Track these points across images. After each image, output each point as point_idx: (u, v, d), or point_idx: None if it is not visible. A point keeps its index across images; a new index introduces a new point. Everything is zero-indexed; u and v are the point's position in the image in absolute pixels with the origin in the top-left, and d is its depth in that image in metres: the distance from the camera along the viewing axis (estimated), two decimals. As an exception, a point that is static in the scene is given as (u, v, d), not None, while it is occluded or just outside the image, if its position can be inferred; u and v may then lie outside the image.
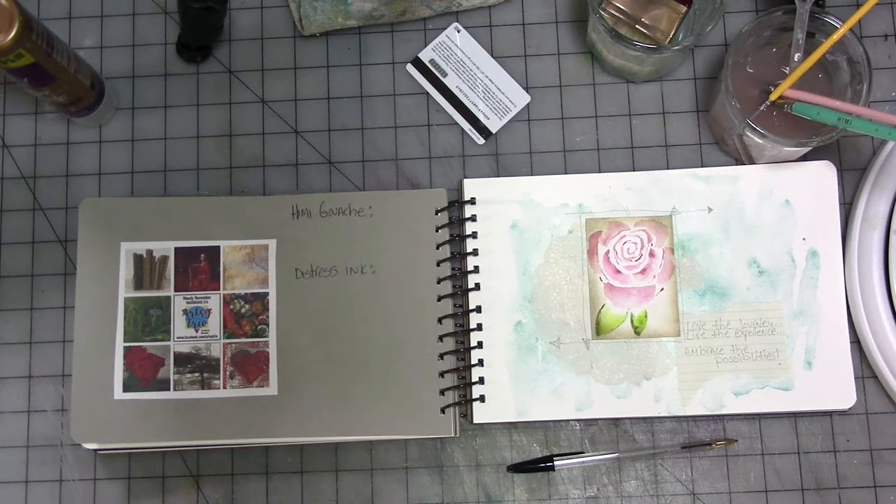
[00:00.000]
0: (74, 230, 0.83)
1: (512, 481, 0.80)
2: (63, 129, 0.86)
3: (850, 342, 0.80)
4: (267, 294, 0.82)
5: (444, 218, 0.82)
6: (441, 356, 0.80)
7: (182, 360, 0.81)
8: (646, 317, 0.80)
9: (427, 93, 0.86)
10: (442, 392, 0.80)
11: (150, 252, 0.82)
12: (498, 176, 0.84)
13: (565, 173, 0.84)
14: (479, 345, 0.80)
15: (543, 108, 0.85)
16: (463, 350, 0.80)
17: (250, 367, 0.80)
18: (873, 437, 0.80)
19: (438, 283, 0.81)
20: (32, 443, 0.82)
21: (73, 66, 0.79)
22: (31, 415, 0.82)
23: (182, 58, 0.87)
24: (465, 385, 0.80)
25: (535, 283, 0.81)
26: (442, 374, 0.80)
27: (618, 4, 0.82)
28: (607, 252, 0.81)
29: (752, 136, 0.77)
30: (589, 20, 0.83)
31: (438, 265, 0.81)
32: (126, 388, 0.80)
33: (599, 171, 0.84)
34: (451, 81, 0.86)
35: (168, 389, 0.80)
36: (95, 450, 0.81)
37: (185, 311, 0.81)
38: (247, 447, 0.81)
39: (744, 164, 0.83)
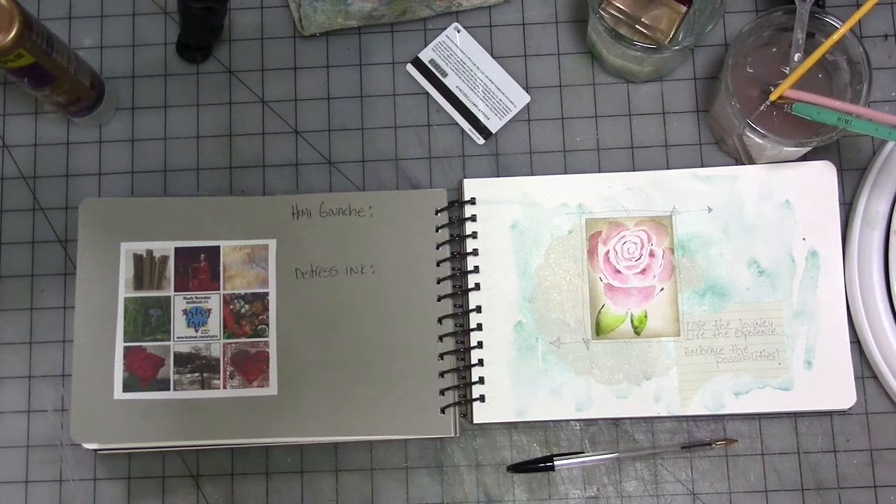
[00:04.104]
0: (74, 230, 0.83)
1: (512, 481, 0.80)
2: (63, 129, 0.86)
3: (850, 342, 0.80)
4: (267, 294, 0.82)
5: (444, 218, 0.82)
6: (441, 356, 0.80)
7: (182, 360, 0.81)
8: (646, 317, 0.80)
9: (427, 93, 0.86)
10: (442, 392, 0.80)
11: (150, 252, 0.82)
12: (498, 176, 0.84)
13: (565, 173, 0.84)
14: (479, 345, 0.80)
15: (543, 108, 0.85)
16: (463, 350, 0.80)
17: (250, 367, 0.80)
18: (873, 437, 0.80)
19: (438, 283, 0.81)
20: (32, 443, 0.82)
21: (73, 66, 0.79)
22: (31, 415, 0.82)
23: (182, 58, 0.87)
24: (465, 385, 0.80)
25: (535, 283, 0.81)
26: (442, 374, 0.80)
27: (618, 4, 0.82)
28: (607, 252, 0.81)
29: (752, 136, 0.77)
30: (589, 20, 0.83)
31: (438, 265, 0.81)
32: (126, 388, 0.80)
33: (599, 171, 0.84)
34: (451, 81, 0.86)
35: (168, 389, 0.80)
36: (95, 450, 0.81)
37: (185, 311, 0.81)
38: (247, 447, 0.81)
39: (744, 164, 0.83)
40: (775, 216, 0.81)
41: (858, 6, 0.79)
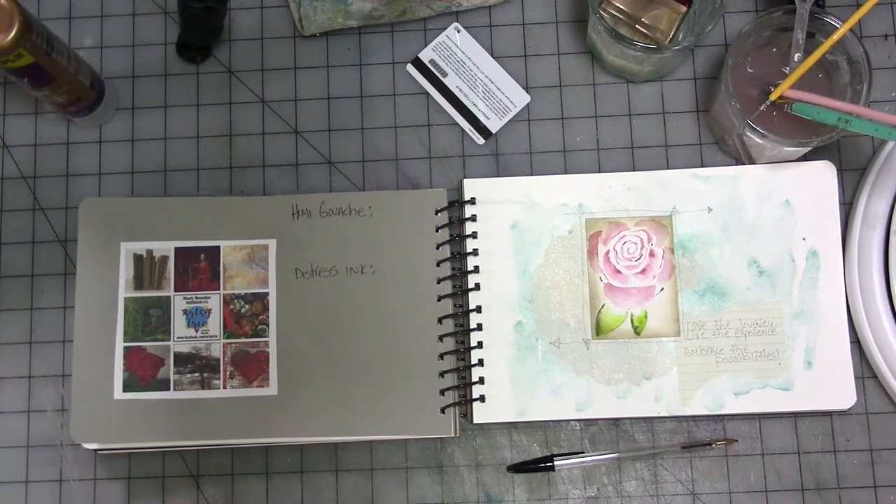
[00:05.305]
0: (74, 230, 0.83)
1: (512, 481, 0.80)
2: (63, 129, 0.86)
3: (850, 342, 0.80)
4: (267, 294, 0.82)
5: (444, 218, 0.82)
6: (441, 356, 0.80)
7: (182, 360, 0.81)
8: (646, 317, 0.80)
9: (427, 93, 0.86)
10: (442, 392, 0.80)
11: (150, 252, 0.82)
12: (498, 176, 0.84)
13: (565, 173, 0.84)
14: (479, 345, 0.80)
15: (543, 108, 0.85)
16: (463, 350, 0.80)
17: (250, 367, 0.80)
18: (873, 437, 0.80)
19: (438, 283, 0.81)
20: (32, 443, 0.82)
21: (73, 66, 0.79)
22: (31, 415, 0.82)
23: (182, 58, 0.87)
24: (465, 385, 0.80)
25: (535, 283, 0.81)
26: (442, 374, 0.80)
27: (618, 4, 0.82)
28: (607, 252, 0.81)
29: (752, 136, 0.77)
30: (589, 20, 0.83)
31: (438, 265, 0.81)
32: (126, 388, 0.80)
33: (599, 171, 0.84)
34: (451, 81, 0.86)
35: (168, 389, 0.80)
36: (95, 450, 0.81)
37: (185, 311, 0.81)
38: (247, 447, 0.81)
39: (744, 164, 0.83)
40: (775, 216, 0.81)
41: (858, 6, 0.79)
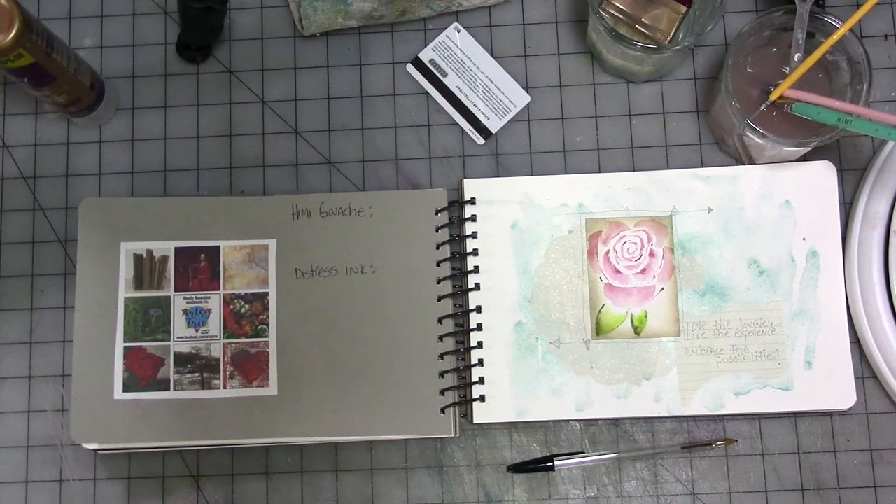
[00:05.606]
0: (74, 230, 0.83)
1: (512, 481, 0.80)
2: (63, 129, 0.86)
3: (850, 342, 0.80)
4: (267, 294, 0.82)
5: (444, 218, 0.82)
6: (441, 356, 0.80)
7: (182, 360, 0.81)
8: (646, 317, 0.80)
9: (427, 93, 0.86)
10: (442, 392, 0.80)
11: (150, 252, 0.82)
12: (498, 176, 0.84)
13: (565, 173, 0.84)
14: (479, 345, 0.80)
15: (543, 108, 0.85)
16: (463, 350, 0.80)
17: (250, 367, 0.80)
18: (873, 437, 0.80)
19: (438, 283, 0.81)
20: (32, 443, 0.82)
21: (73, 66, 0.79)
22: (31, 415, 0.82)
23: (182, 58, 0.87)
24: (465, 385, 0.80)
25: (535, 283, 0.81)
26: (442, 374, 0.80)
27: (618, 4, 0.82)
28: (607, 252, 0.81)
29: (752, 136, 0.77)
30: (589, 20, 0.83)
31: (438, 265, 0.81)
32: (126, 388, 0.80)
33: (599, 171, 0.84)
34: (451, 81, 0.86)
35: (168, 389, 0.80)
36: (95, 450, 0.81)
37: (185, 311, 0.81)
38: (247, 447, 0.81)
39: (744, 164, 0.83)
40: (775, 216, 0.81)
41: (858, 6, 0.79)
